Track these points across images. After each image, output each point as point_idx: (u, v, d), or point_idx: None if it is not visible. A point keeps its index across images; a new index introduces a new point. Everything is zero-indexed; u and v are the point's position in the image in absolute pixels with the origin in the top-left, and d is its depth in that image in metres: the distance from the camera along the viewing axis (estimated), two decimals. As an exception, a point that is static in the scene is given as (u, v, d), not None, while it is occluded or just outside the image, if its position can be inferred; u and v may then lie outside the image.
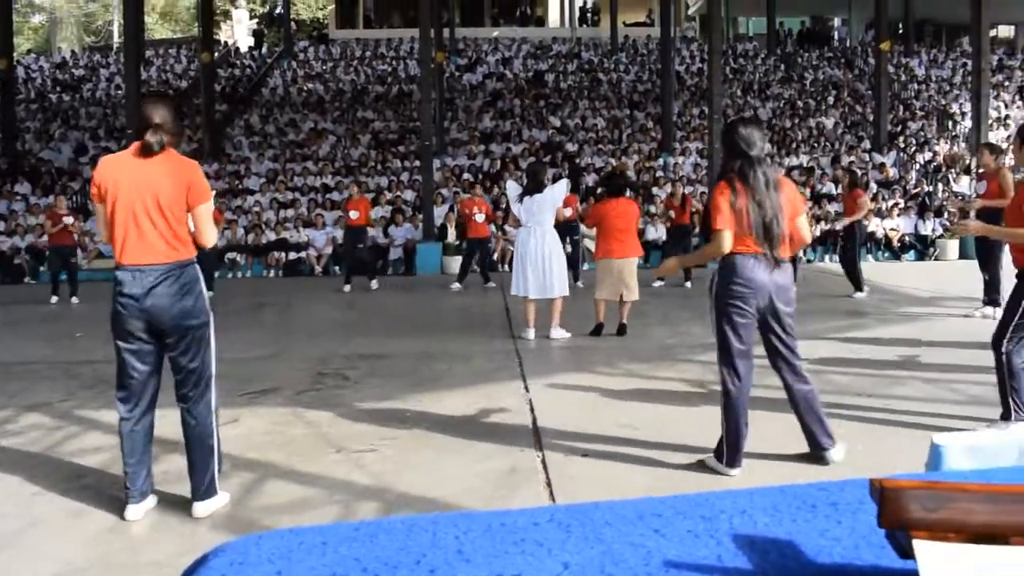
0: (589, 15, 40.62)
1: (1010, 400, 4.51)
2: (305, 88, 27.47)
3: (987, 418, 4.73)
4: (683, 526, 0.93)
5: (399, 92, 26.68)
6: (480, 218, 13.48)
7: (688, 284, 12.71)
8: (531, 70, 28.88)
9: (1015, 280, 4.59)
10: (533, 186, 7.87)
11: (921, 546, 0.66)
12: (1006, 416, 4.52)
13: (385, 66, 30.07)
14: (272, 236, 17.55)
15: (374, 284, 13.42)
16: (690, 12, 39.73)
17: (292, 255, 17.34)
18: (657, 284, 12.47)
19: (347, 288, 13.09)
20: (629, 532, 0.93)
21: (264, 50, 33.51)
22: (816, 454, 4.01)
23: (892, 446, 4.27)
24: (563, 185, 8.26)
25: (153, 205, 3.37)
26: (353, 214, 13.15)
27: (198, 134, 22.21)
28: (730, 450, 3.90)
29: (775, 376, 4.09)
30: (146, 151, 3.41)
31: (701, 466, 4.01)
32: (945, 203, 19.41)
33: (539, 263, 7.81)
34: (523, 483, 3.85)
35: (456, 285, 13.26)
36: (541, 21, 41.20)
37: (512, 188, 8.20)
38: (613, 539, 0.91)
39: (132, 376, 3.49)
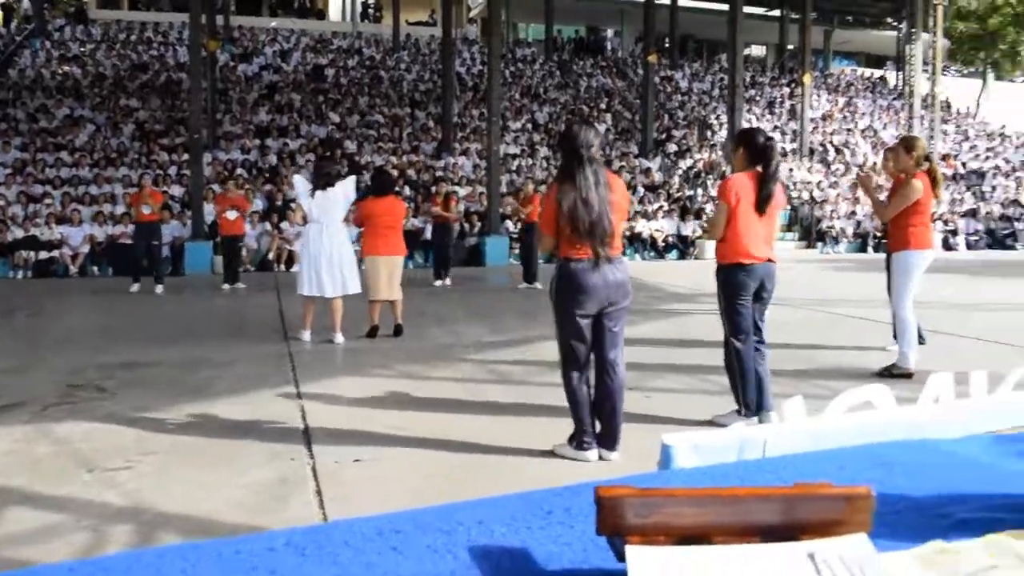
0: (371, 11, 40.26)
1: (735, 394, 4.81)
2: (60, 71, 25.30)
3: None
4: (422, 541, 0.92)
5: (167, 80, 25.19)
6: (232, 215, 13.00)
7: (448, 282, 13.13)
8: (310, 64, 28.22)
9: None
10: (324, 181, 7.67)
11: (632, 550, 0.69)
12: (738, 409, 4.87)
13: (152, 51, 28.29)
14: (20, 233, 16.02)
15: (159, 289, 12.50)
16: (472, 15, 40.35)
17: (43, 254, 15.90)
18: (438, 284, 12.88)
19: (135, 288, 12.32)
20: (366, 551, 0.90)
21: (13, 27, 30.48)
22: (600, 451, 4.18)
23: (651, 441, 4.51)
24: (353, 181, 8.10)
25: None
26: (146, 209, 12.28)
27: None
28: (579, 438, 4.10)
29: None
30: None
31: (554, 454, 4.18)
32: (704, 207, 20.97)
33: (334, 260, 7.63)
34: (293, 493, 3.73)
35: (226, 286, 12.80)
36: (321, 14, 40.34)
37: (300, 183, 7.94)
38: (349, 561, 0.89)
39: None
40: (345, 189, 7.75)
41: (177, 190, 18.35)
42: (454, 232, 14.89)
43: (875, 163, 26.05)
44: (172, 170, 19.46)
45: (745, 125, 23.68)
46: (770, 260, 4.81)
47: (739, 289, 4.74)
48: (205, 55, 18.77)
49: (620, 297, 4.07)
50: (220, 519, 3.42)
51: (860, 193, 23.25)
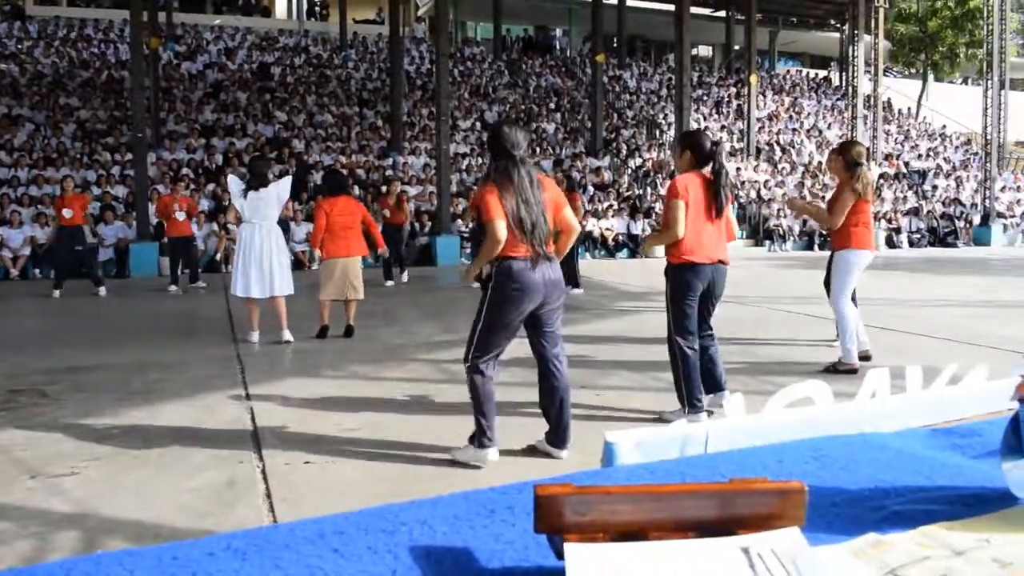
0: (317, 9, 39.89)
1: (678, 392, 4.84)
2: (-4, 69, 24.62)
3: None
4: (363, 542, 0.92)
5: (108, 78, 24.65)
6: (181, 216, 12.83)
7: (404, 278, 13.18)
8: (256, 62, 27.85)
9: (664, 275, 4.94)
10: (257, 181, 7.62)
11: (570, 548, 0.70)
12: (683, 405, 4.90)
13: (93, 49, 27.66)
14: (-44, 235, 15.59)
15: (102, 291, 12.30)
16: (420, 13, 40.17)
17: (-18, 257, 15.48)
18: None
19: (56, 293, 11.95)
20: (308, 554, 0.90)
21: (-55, 25, 29.58)
22: (549, 450, 4.19)
23: (600, 439, 4.53)
24: (288, 182, 8.05)
25: None
26: (67, 212, 11.99)
27: None
28: (482, 434, 4.04)
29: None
30: None
31: (456, 463, 4.08)
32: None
33: (264, 261, 7.58)
34: (242, 496, 3.68)
35: (173, 288, 12.61)
36: (267, 12, 39.84)
37: (234, 183, 7.88)
38: (290, 564, 0.88)
39: None
40: (279, 190, 7.71)
41: (121, 190, 17.97)
42: (406, 231, 14.85)
43: (820, 163, 26.54)
44: (115, 170, 19.06)
45: (693, 125, 23.96)
46: (721, 262, 4.84)
47: (687, 289, 4.76)
48: (147, 53, 18.42)
49: (557, 295, 4.09)
50: (167, 523, 3.36)
51: (803, 200, 23.64)
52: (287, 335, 7.71)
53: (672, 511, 0.73)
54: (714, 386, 4.99)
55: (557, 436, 4.17)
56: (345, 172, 18.31)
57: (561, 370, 4.16)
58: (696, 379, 4.79)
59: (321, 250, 7.99)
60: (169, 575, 0.85)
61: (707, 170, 4.80)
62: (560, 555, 0.72)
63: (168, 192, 14.33)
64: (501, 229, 3.87)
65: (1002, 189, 27.81)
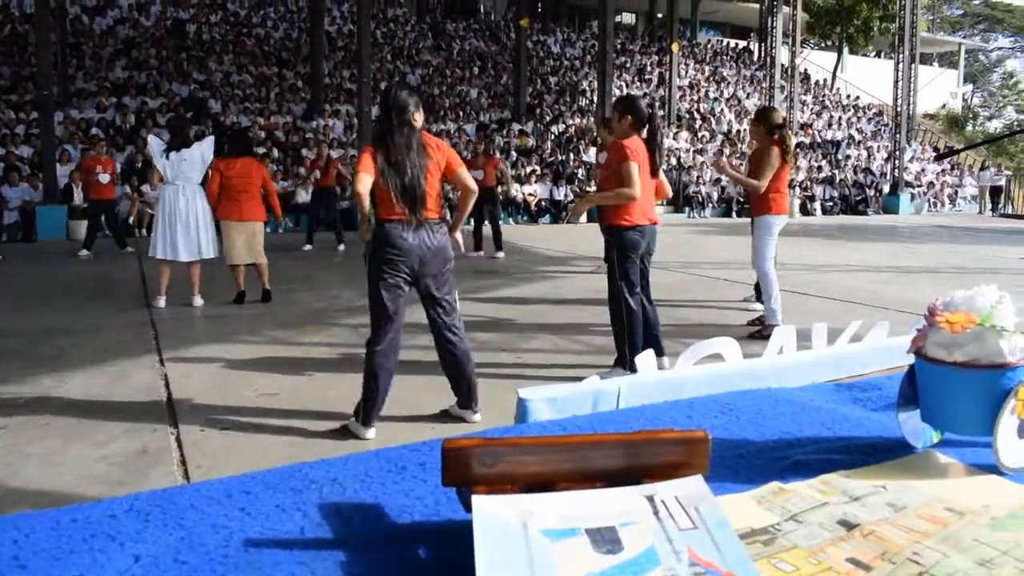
0: (234, -35, 38.54)
1: (626, 350, 4.97)
2: None
3: (606, 365, 5.24)
4: (272, 501, 0.91)
5: (12, 33, 23.45)
6: (105, 178, 12.30)
7: (341, 248, 12.87)
8: (170, 18, 26.83)
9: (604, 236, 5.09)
10: (179, 141, 7.40)
11: (478, 500, 0.70)
12: (620, 363, 5.03)
13: (-7, 2, 26.27)
14: None
15: None
16: (341, -28, 39.18)
17: None
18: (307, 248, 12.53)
19: None
20: (213, 514, 0.88)
21: None
22: (461, 414, 4.20)
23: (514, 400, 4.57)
24: (211, 142, 7.83)
25: None
26: None
27: None
28: (367, 410, 3.96)
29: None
30: None
31: (345, 431, 4.01)
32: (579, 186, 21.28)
33: (191, 223, 7.40)
34: (154, 464, 3.60)
35: (84, 252, 12.17)
36: (181, -33, 38.34)
37: (155, 143, 7.65)
38: (194, 523, 0.86)
39: None
40: (202, 150, 7.50)
41: (26, 151, 17.18)
42: (337, 197, 14.49)
43: (739, 131, 27.03)
44: (20, 129, 18.19)
45: (616, 92, 24.05)
46: (654, 222, 5.10)
47: (634, 249, 4.96)
48: (53, 6, 17.57)
49: (438, 263, 4.00)
50: (77, 493, 3.27)
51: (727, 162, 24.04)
52: (198, 300, 7.61)
53: (579, 462, 0.74)
54: (656, 352, 5.08)
55: (465, 400, 4.18)
56: (263, 134, 17.89)
57: (457, 337, 4.11)
58: (640, 338, 4.94)
59: (219, 211, 7.77)
60: (67, 538, 0.83)
61: (644, 133, 4.98)
62: (468, 508, 0.72)
63: (92, 154, 13.69)
64: (362, 181, 3.86)
65: (910, 160, 28.77)
